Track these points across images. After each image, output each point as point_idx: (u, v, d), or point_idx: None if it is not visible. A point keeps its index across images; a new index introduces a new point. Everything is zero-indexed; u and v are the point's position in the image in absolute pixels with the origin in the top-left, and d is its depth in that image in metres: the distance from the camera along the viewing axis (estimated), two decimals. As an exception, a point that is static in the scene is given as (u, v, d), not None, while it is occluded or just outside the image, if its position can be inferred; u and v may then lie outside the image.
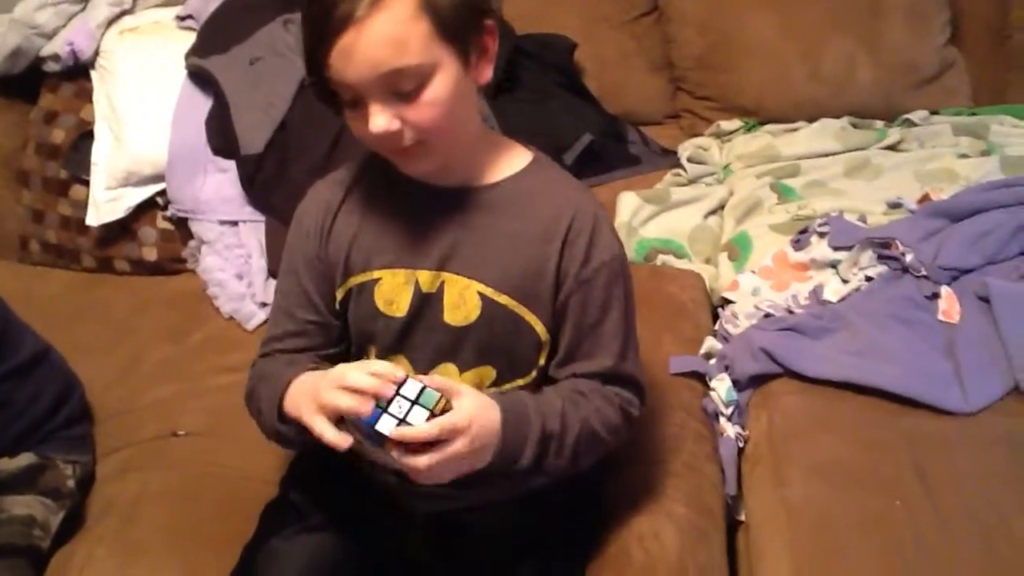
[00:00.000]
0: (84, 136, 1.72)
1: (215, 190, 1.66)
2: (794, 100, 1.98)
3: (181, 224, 1.71)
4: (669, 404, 1.37)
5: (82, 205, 1.72)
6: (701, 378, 1.43)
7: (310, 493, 1.15)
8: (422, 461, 0.90)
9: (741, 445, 1.35)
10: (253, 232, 1.64)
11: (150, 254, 1.74)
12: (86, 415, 1.40)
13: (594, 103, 2.04)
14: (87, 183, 1.72)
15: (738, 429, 1.36)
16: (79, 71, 1.79)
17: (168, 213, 1.70)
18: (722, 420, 1.38)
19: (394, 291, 1.03)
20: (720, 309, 1.58)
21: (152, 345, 1.58)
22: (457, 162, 1.00)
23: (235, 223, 1.66)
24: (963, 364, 1.33)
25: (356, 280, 1.05)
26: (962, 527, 1.12)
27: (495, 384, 1.05)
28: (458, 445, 0.91)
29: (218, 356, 1.53)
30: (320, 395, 0.93)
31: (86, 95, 1.77)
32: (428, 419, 0.90)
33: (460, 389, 0.94)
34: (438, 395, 0.91)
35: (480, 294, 1.01)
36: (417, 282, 1.02)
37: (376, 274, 1.04)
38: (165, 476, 1.32)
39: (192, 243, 1.70)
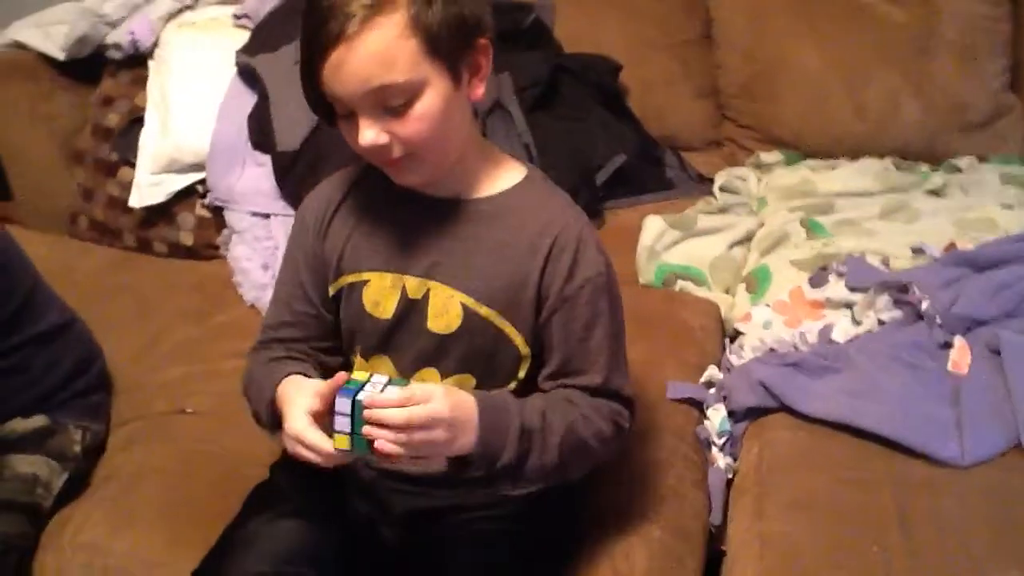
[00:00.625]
0: (135, 121, 1.81)
1: (251, 182, 1.73)
2: (834, 135, 1.97)
3: (217, 212, 1.78)
4: (661, 428, 1.37)
5: (128, 187, 1.81)
6: (699, 405, 1.43)
7: (296, 480, 1.17)
8: (390, 440, 0.91)
9: (730, 476, 1.35)
10: (282, 225, 1.70)
11: (187, 239, 1.81)
12: (104, 386, 1.46)
13: (634, 125, 2.05)
14: (134, 166, 1.80)
15: (729, 460, 1.36)
16: (138, 60, 1.88)
17: (206, 201, 1.78)
18: (714, 449, 1.38)
19: (381, 293, 1.06)
20: (728, 340, 1.58)
21: (175, 325, 1.64)
22: (449, 175, 1.03)
23: (267, 216, 1.72)
24: (966, 416, 1.30)
25: (347, 279, 1.09)
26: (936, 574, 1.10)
27: None
28: (436, 430, 0.93)
29: (234, 341, 1.58)
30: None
31: (142, 83, 1.86)
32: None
33: (432, 386, 0.95)
34: (405, 381, 0.93)
35: (463, 304, 1.03)
36: (404, 287, 1.05)
37: (365, 275, 1.07)
38: (167, 450, 1.37)
39: (225, 231, 1.77)
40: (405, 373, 1.08)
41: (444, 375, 1.07)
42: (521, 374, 1.07)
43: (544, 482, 1.05)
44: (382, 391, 0.92)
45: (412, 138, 0.95)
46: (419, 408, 0.92)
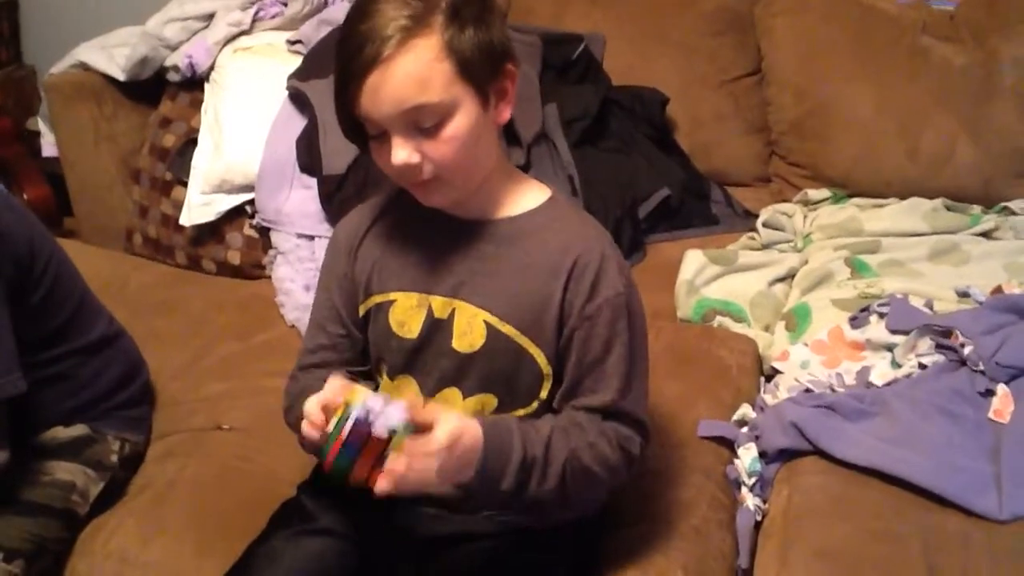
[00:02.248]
0: (189, 142, 1.87)
1: (297, 204, 1.76)
2: (885, 177, 1.94)
3: (264, 233, 1.82)
4: (690, 466, 1.36)
5: (181, 206, 1.86)
6: (730, 444, 1.42)
7: (321, 499, 1.20)
8: (385, 480, 0.91)
9: (759, 518, 1.33)
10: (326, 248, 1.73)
11: (234, 258, 1.86)
12: (146, 399, 1.50)
13: (681, 159, 2.05)
14: (187, 186, 1.85)
15: (758, 501, 1.34)
16: (197, 83, 1.94)
17: (254, 222, 1.82)
18: (743, 490, 1.36)
19: (407, 313, 1.08)
20: (764, 379, 1.56)
21: (218, 342, 1.68)
22: (475, 196, 1.05)
23: (311, 238, 1.76)
24: (1006, 468, 1.26)
25: (375, 299, 1.11)
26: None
27: (496, 412, 1.08)
28: (430, 460, 0.92)
29: (274, 360, 1.61)
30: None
31: (198, 105, 1.92)
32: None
33: (440, 418, 0.94)
34: (405, 412, 0.92)
35: (486, 323, 1.05)
36: (430, 307, 1.07)
37: (392, 295, 1.09)
38: (202, 465, 1.40)
39: (271, 252, 1.81)
40: (429, 394, 1.09)
41: (466, 395, 1.08)
42: (543, 394, 1.08)
43: (547, 505, 1.05)
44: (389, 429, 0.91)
45: (442, 159, 0.97)
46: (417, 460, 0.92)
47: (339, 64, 0.97)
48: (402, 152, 0.96)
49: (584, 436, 1.03)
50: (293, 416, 1.13)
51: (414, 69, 0.93)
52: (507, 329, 1.05)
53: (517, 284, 1.04)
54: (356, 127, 1.00)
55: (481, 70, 0.96)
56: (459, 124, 0.96)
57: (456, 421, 0.95)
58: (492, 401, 1.08)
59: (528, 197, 1.08)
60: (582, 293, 1.03)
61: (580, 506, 1.10)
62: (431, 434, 0.93)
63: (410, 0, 0.93)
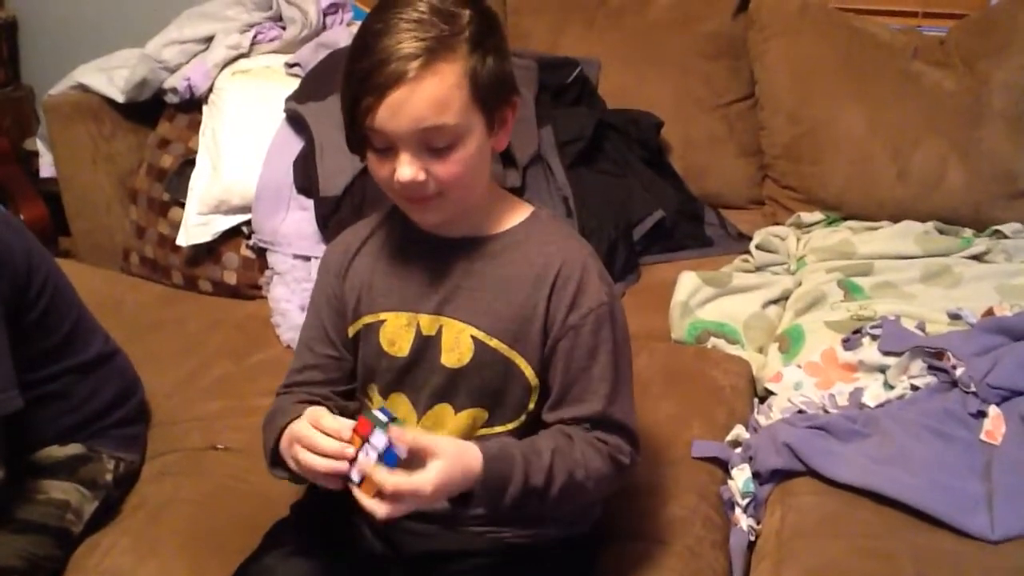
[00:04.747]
0: (187, 163, 1.88)
1: (294, 226, 1.78)
2: (878, 199, 1.95)
3: (261, 254, 1.83)
4: (683, 486, 1.36)
5: (178, 226, 1.87)
6: (724, 465, 1.42)
7: (313, 519, 1.20)
8: (381, 510, 0.94)
9: (752, 538, 1.33)
10: (322, 268, 1.74)
11: (231, 278, 1.86)
12: (141, 418, 1.50)
13: (676, 181, 2.07)
14: (184, 206, 1.86)
15: (752, 522, 1.34)
16: (195, 104, 1.96)
17: (251, 242, 1.83)
18: (737, 510, 1.36)
19: (397, 332, 1.10)
20: (756, 400, 1.56)
21: (214, 362, 1.69)
22: (464, 216, 1.07)
23: (308, 258, 1.77)
24: (997, 489, 1.27)
25: (365, 320, 1.12)
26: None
27: (486, 426, 1.10)
28: (419, 497, 0.95)
29: (270, 379, 1.59)
30: (297, 454, 0.99)
31: (196, 126, 1.93)
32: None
33: (437, 450, 0.95)
34: (400, 456, 0.94)
35: (473, 338, 1.07)
36: (418, 325, 1.09)
37: (382, 315, 1.11)
38: (196, 484, 1.40)
39: (267, 272, 1.81)
40: (421, 410, 1.11)
41: (458, 410, 1.10)
42: (531, 406, 1.09)
43: (538, 519, 1.08)
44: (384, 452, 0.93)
45: (448, 179, 0.99)
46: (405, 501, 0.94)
47: (354, 76, 0.97)
48: (409, 169, 0.98)
49: (577, 452, 1.04)
50: (267, 432, 1.13)
51: (437, 91, 0.95)
52: (494, 343, 1.06)
53: (502, 298, 1.06)
54: (361, 139, 1.01)
55: (494, 99, 1.00)
56: (469, 148, 0.99)
57: (448, 460, 0.95)
58: (483, 415, 1.10)
59: (511, 215, 1.10)
60: (565, 304, 1.05)
61: (568, 515, 1.11)
62: (422, 474, 0.94)
63: (437, 22, 0.95)
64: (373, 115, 0.96)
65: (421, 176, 0.98)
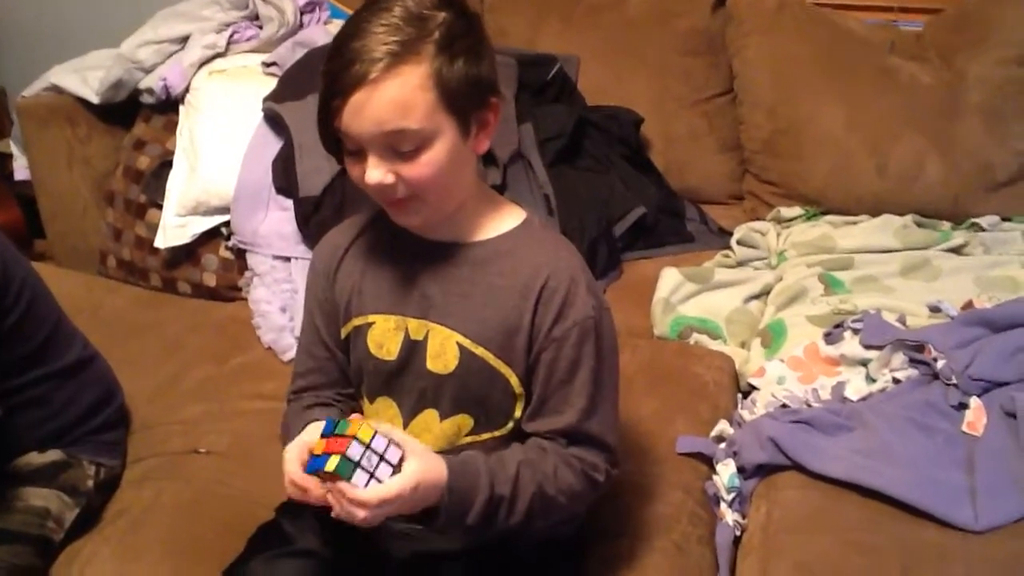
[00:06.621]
0: (164, 165, 1.86)
1: (273, 226, 1.76)
2: (857, 194, 1.96)
3: (240, 255, 1.81)
4: (669, 482, 1.36)
5: (156, 228, 1.85)
6: (708, 460, 1.42)
7: (298, 522, 1.19)
8: (359, 515, 0.96)
9: (738, 533, 1.33)
10: (302, 269, 1.72)
11: (210, 280, 1.85)
12: (122, 423, 1.48)
13: (656, 178, 2.07)
14: (162, 208, 1.84)
15: (737, 517, 1.35)
16: (171, 105, 1.94)
17: (230, 243, 1.81)
18: (723, 505, 1.36)
19: (385, 335, 1.09)
20: (739, 395, 1.57)
21: (194, 365, 1.67)
22: (450, 219, 1.06)
23: (288, 259, 1.75)
24: (980, 480, 1.28)
25: (355, 323, 1.11)
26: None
27: (472, 433, 1.09)
28: (396, 504, 0.96)
29: (251, 383, 1.61)
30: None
31: (173, 127, 1.91)
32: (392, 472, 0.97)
33: (410, 448, 0.98)
34: (400, 452, 0.97)
35: (459, 344, 1.06)
36: (407, 329, 1.08)
37: (371, 318, 1.10)
38: (179, 489, 1.39)
39: (247, 274, 1.80)
40: (407, 415, 1.10)
41: (443, 417, 1.09)
42: (517, 414, 1.09)
43: (511, 532, 1.07)
44: (377, 467, 0.96)
45: (417, 182, 0.98)
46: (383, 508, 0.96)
47: (326, 77, 0.97)
48: (376, 172, 0.97)
49: (549, 466, 1.04)
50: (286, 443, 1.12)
51: (398, 94, 0.94)
52: (480, 351, 1.06)
53: (489, 306, 1.05)
54: (335, 140, 1.00)
55: (466, 102, 0.98)
56: (437, 152, 0.97)
57: (420, 457, 0.98)
58: (468, 422, 1.09)
59: (503, 221, 1.09)
60: (550, 316, 1.04)
61: (544, 530, 1.11)
62: (398, 477, 0.96)
63: (403, 26, 0.94)
64: (339, 116, 0.96)
65: (389, 179, 0.98)
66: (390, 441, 0.97)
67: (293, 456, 1.01)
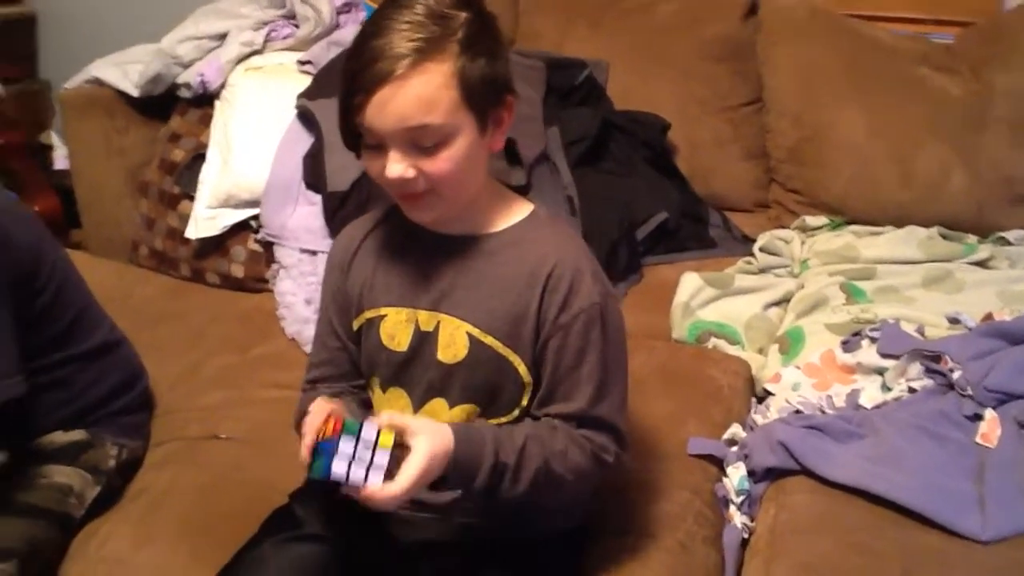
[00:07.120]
0: (197, 157, 1.90)
1: (302, 220, 1.80)
2: (881, 203, 1.96)
3: (268, 248, 1.85)
4: (677, 482, 1.37)
5: (187, 219, 1.90)
6: (719, 463, 1.43)
7: (310, 507, 1.21)
8: (380, 497, 0.98)
9: (746, 535, 1.34)
10: (327, 263, 1.76)
11: (238, 271, 1.89)
12: (145, 406, 1.52)
13: (680, 183, 2.08)
14: (194, 199, 1.89)
15: (746, 519, 1.35)
16: (207, 100, 1.98)
17: (258, 236, 1.85)
18: (731, 507, 1.37)
19: (396, 327, 1.12)
20: (754, 400, 1.57)
21: (218, 353, 1.71)
22: (462, 214, 1.09)
23: (314, 253, 1.79)
24: (989, 490, 1.27)
25: (367, 315, 1.14)
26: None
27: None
28: (421, 483, 0.99)
29: (272, 372, 1.64)
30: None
31: (208, 121, 1.95)
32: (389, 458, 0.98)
33: (414, 427, 1.00)
34: (393, 434, 0.99)
35: (468, 334, 1.08)
36: (417, 320, 1.10)
37: (383, 310, 1.13)
38: (197, 473, 1.42)
39: (274, 266, 1.83)
40: (417, 404, 1.13)
41: (452, 405, 1.11)
42: (524, 402, 1.11)
43: (517, 505, 1.08)
44: (372, 457, 0.97)
45: (437, 176, 1.01)
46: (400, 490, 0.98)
47: (347, 74, 1.00)
48: (397, 167, 1.00)
49: (557, 443, 1.06)
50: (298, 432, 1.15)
51: (424, 91, 0.96)
52: (488, 340, 1.08)
53: (497, 296, 1.08)
54: (355, 135, 1.03)
55: (485, 99, 1.00)
56: (457, 148, 1.00)
57: (428, 434, 0.99)
58: (476, 410, 1.11)
59: (510, 213, 1.12)
60: (556, 304, 1.06)
61: (552, 509, 1.13)
62: (411, 456, 0.98)
63: (428, 23, 0.97)
64: (362, 112, 0.98)
65: (410, 173, 1.00)
66: (380, 430, 0.98)
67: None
